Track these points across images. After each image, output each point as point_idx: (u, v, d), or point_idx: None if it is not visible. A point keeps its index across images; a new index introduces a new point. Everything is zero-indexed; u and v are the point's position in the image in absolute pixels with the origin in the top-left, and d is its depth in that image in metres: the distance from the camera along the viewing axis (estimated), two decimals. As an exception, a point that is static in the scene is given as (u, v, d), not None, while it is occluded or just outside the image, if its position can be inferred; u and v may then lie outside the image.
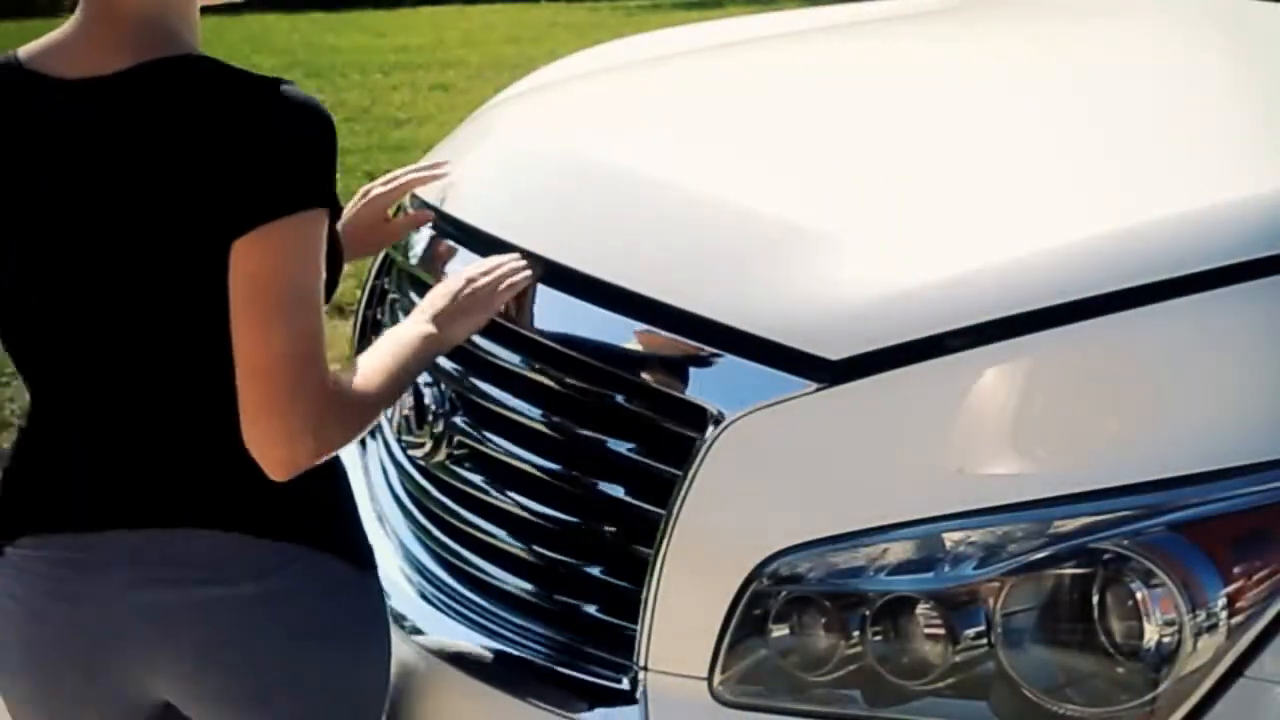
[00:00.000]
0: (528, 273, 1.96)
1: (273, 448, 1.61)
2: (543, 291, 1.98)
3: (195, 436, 1.68)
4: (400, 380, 1.77)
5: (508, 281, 1.94)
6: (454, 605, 2.00)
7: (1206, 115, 2.15)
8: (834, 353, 1.67)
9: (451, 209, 2.26)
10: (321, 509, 1.75)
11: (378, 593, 1.84)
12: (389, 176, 2.29)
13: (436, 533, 2.11)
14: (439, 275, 2.18)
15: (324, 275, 1.65)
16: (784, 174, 2.08)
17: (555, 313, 1.95)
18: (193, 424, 1.68)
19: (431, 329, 1.85)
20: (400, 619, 2.00)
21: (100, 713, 1.76)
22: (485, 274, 1.94)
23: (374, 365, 1.73)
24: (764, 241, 1.86)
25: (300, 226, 1.60)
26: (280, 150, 1.60)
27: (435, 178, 2.31)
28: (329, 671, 1.77)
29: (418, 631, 1.98)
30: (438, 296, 1.91)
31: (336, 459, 1.75)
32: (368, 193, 2.27)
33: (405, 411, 2.14)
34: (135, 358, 1.66)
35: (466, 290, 1.92)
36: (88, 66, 1.64)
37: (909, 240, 1.80)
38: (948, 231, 1.81)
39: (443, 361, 2.11)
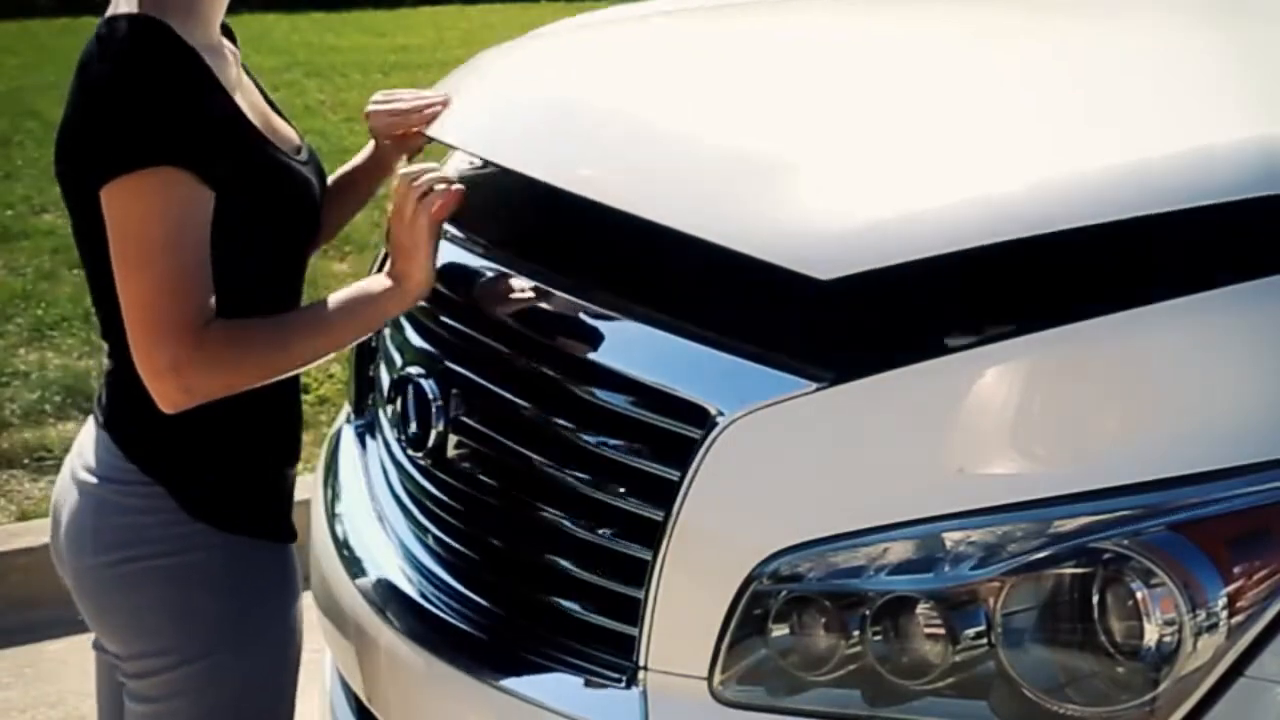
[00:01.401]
0: (447, 185, 1.97)
1: (148, 380, 1.80)
2: (543, 291, 1.98)
3: (119, 360, 1.89)
4: (288, 344, 1.85)
5: (429, 203, 1.94)
6: (453, 604, 1.99)
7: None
8: (825, 273, 1.65)
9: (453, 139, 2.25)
10: (184, 455, 1.89)
11: (249, 562, 1.94)
12: (387, 95, 2.28)
13: (436, 532, 2.11)
14: (439, 277, 2.18)
15: (190, 226, 1.76)
16: (777, 117, 2.07)
17: (555, 312, 1.95)
18: (118, 349, 1.88)
19: (362, 290, 1.93)
20: (400, 618, 2.00)
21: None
22: (405, 206, 1.94)
23: (265, 324, 1.84)
24: (757, 171, 1.85)
25: (138, 184, 1.74)
26: (113, 114, 1.75)
27: (434, 114, 2.28)
28: (165, 599, 1.89)
29: (417, 630, 1.98)
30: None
31: (281, 432, 1.98)
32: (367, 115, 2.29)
33: (405, 411, 2.14)
34: (93, 284, 1.90)
35: (395, 234, 1.95)
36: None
37: (901, 172, 1.80)
38: (937, 166, 1.81)
39: (443, 360, 2.11)
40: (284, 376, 1.87)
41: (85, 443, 2.00)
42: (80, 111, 1.80)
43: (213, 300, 1.78)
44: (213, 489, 1.91)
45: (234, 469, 1.95)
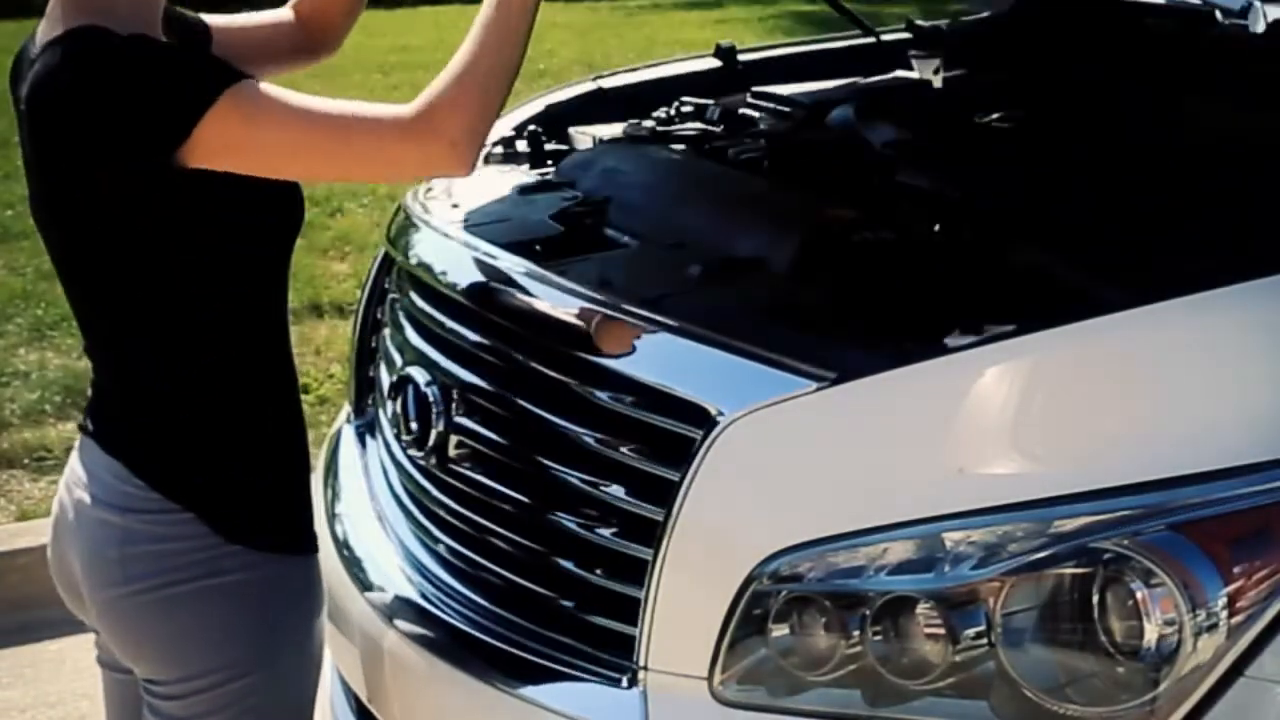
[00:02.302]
0: None
1: (424, 167, 1.86)
2: (543, 292, 1.98)
3: (127, 376, 1.84)
4: (485, 45, 1.80)
5: None
6: (454, 605, 1.99)
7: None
8: None
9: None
10: (206, 476, 1.83)
11: (280, 579, 1.88)
12: None
13: (436, 532, 2.10)
14: (439, 276, 2.18)
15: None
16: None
17: (555, 311, 1.95)
18: (128, 363, 1.84)
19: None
20: (400, 619, 2.00)
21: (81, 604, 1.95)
22: None
23: (454, 59, 1.82)
24: None
25: (233, 103, 1.69)
26: (146, 80, 1.70)
27: None
28: (200, 624, 1.84)
29: (418, 631, 1.98)
30: None
31: (292, 442, 1.91)
32: None
33: (405, 411, 2.14)
34: (87, 298, 1.84)
35: None
36: (40, 39, 1.79)
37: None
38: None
39: (443, 360, 2.11)
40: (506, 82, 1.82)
41: (88, 468, 1.89)
42: (81, 112, 1.71)
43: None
44: (240, 508, 1.86)
45: (255, 483, 1.89)
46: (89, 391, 1.95)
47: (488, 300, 2.06)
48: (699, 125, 2.74)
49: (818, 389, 1.67)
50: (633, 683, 1.73)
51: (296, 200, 1.87)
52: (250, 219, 1.81)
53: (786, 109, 2.73)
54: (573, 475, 1.88)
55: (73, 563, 1.89)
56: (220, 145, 1.69)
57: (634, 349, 1.83)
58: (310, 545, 1.94)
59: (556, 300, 1.95)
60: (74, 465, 1.93)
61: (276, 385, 1.90)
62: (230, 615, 1.84)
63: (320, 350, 4.81)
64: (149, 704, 1.89)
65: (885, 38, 3.19)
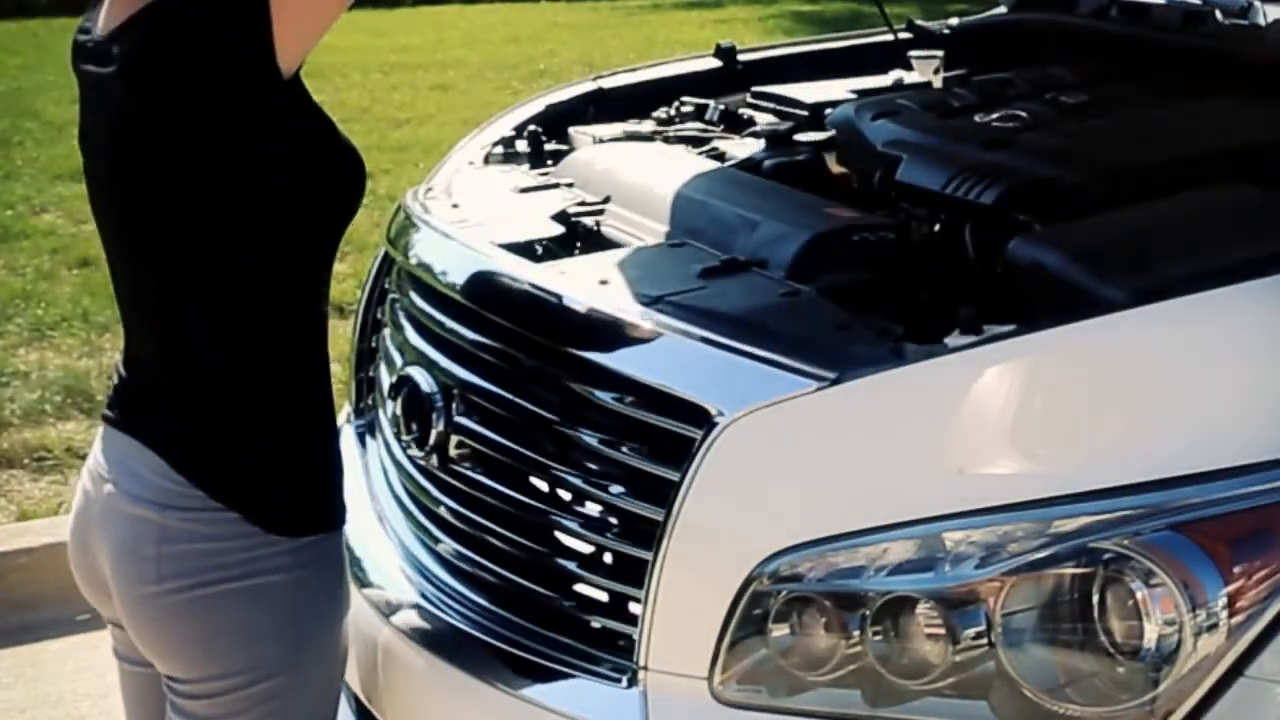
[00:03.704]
0: None
1: None
2: (543, 291, 1.98)
3: (178, 355, 1.83)
4: None
5: None
6: (454, 605, 1.99)
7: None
8: None
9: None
10: (250, 467, 1.81)
11: (318, 560, 1.87)
12: None
13: (436, 532, 2.10)
14: (439, 276, 2.18)
15: None
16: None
17: (555, 311, 1.95)
18: (178, 342, 1.82)
19: None
20: (400, 618, 2.00)
21: (104, 597, 1.92)
22: None
23: None
24: None
25: None
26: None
27: None
28: (235, 623, 1.82)
29: (418, 630, 1.98)
30: None
31: (328, 417, 1.89)
32: None
33: (405, 411, 2.14)
34: (156, 271, 1.81)
35: None
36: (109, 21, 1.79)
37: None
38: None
39: (443, 360, 2.11)
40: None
41: (119, 461, 1.86)
42: (190, 51, 1.72)
43: None
44: (280, 493, 1.83)
45: (294, 463, 1.86)
46: (115, 380, 1.92)
47: (488, 300, 2.06)
48: (699, 125, 2.74)
49: (818, 389, 1.67)
50: (633, 683, 1.73)
51: (358, 178, 1.86)
52: (318, 190, 1.80)
53: (787, 110, 2.73)
54: (573, 475, 1.88)
55: (100, 557, 1.87)
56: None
57: (634, 349, 1.83)
58: (343, 517, 1.94)
59: (556, 300, 1.95)
60: (99, 457, 1.90)
61: (316, 362, 1.88)
62: (263, 616, 1.82)
63: (320, 350, 4.80)
64: (172, 702, 1.88)
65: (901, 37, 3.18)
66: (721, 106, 2.80)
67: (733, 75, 3.03)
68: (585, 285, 1.95)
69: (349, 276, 5.44)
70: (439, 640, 1.96)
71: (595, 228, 2.29)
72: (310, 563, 1.87)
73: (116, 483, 1.85)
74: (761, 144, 2.55)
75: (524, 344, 1.97)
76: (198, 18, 1.72)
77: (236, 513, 1.79)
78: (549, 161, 2.63)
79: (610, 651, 1.78)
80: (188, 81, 1.72)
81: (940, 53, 2.97)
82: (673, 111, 2.82)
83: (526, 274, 2.03)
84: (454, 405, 2.07)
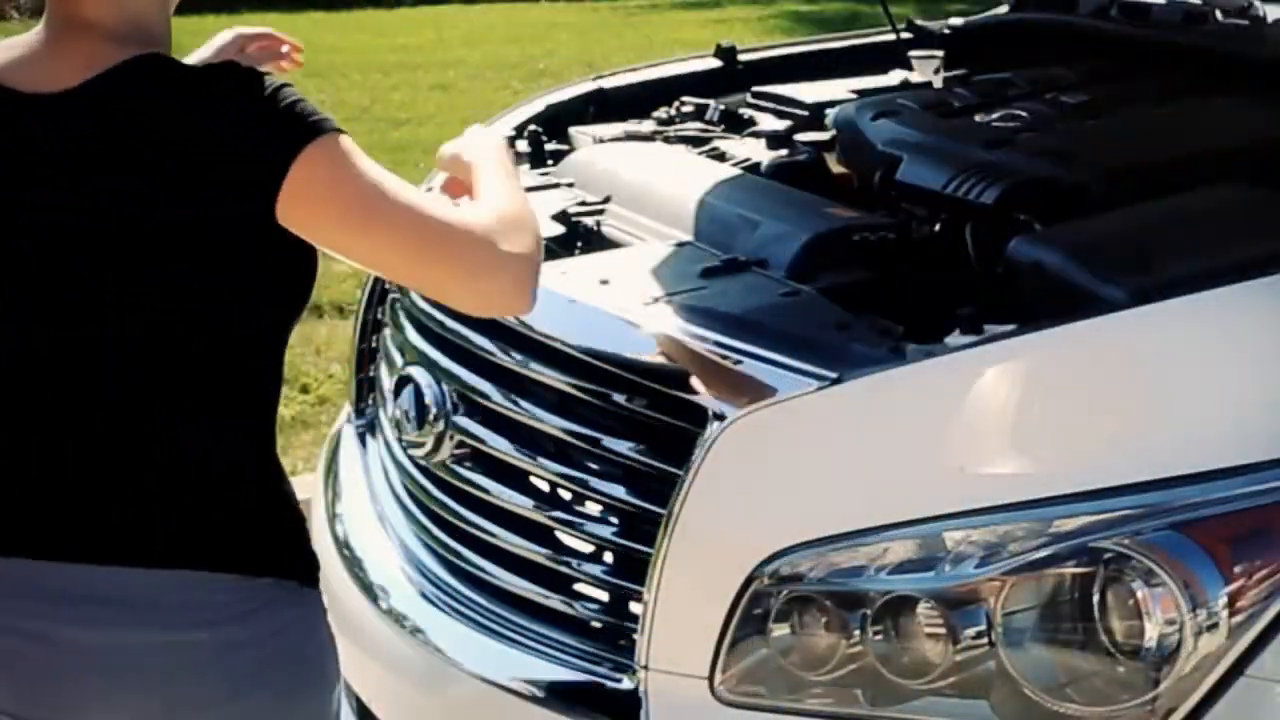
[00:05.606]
0: None
1: (499, 300, 1.64)
2: (543, 291, 1.98)
3: (159, 473, 1.59)
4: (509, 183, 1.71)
5: None
6: (454, 605, 1.99)
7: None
8: None
9: None
10: (280, 533, 1.67)
11: (323, 615, 1.71)
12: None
13: (437, 532, 2.10)
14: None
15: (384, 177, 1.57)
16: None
17: (556, 311, 1.95)
18: (161, 459, 1.59)
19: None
20: (401, 618, 2.00)
21: None
22: None
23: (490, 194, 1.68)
24: None
25: (333, 147, 1.53)
26: (255, 108, 1.53)
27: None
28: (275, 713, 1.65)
29: (418, 631, 1.98)
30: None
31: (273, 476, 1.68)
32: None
33: (405, 412, 2.14)
34: (125, 382, 1.58)
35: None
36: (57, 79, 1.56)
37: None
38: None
39: (444, 360, 2.11)
40: None
41: (114, 597, 1.57)
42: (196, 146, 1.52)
43: None
44: (297, 545, 1.68)
45: (295, 519, 1.71)
46: (37, 512, 1.60)
47: (488, 300, 2.06)
48: (699, 125, 2.74)
49: (818, 389, 1.67)
50: (634, 682, 1.73)
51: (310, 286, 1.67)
52: (282, 298, 1.63)
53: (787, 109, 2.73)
54: (573, 475, 1.88)
55: (106, 705, 1.59)
56: (304, 192, 1.52)
57: (635, 349, 1.83)
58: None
59: (556, 300, 1.95)
60: (37, 601, 1.58)
61: (273, 414, 1.72)
62: (318, 694, 1.68)
63: (320, 350, 4.80)
64: None
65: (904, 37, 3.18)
66: (721, 106, 2.80)
67: (733, 75, 3.03)
68: (586, 285, 1.95)
69: (349, 276, 5.44)
70: (439, 640, 1.96)
71: (596, 227, 2.29)
72: (323, 611, 1.72)
73: (121, 622, 1.58)
74: (762, 144, 2.55)
75: (524, 344, 1.97)
76: (210, 120, 1.53)
77: (282, 580, 1.63)
78: (549, 161, 2.63)
79: (611, 651, 1.79)
80: (178, 167, 1.52)
81: (940, 53, 2.98)
82: (673, 111, 2.82)
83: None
84: (454, 405, 2.07)
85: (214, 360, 1.59)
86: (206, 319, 1.57)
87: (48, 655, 1.57)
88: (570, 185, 2.44)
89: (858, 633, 1.61)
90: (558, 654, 1.84)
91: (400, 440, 2.19)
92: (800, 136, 2.54)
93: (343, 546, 2.23)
